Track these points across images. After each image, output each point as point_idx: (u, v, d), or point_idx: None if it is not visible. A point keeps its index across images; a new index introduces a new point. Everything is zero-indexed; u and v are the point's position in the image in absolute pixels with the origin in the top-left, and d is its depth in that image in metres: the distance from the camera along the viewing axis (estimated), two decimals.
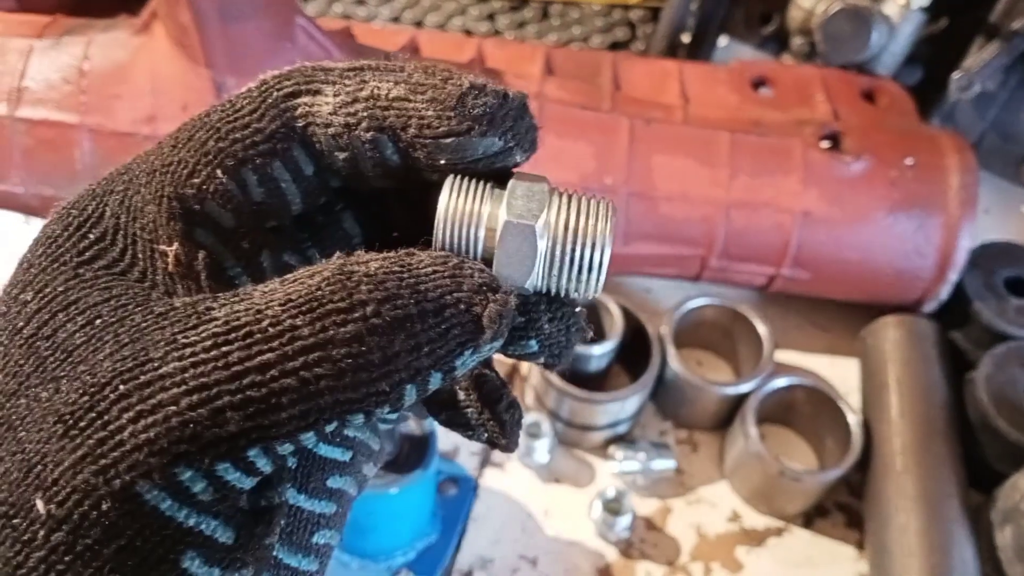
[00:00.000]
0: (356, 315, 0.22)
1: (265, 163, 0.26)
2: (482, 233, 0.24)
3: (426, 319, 0.22)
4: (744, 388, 0.72)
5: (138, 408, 0.21)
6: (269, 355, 0.21)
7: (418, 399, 0.24)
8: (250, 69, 0.72)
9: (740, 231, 0.76)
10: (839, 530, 0.74)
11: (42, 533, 0.21)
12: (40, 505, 0.21)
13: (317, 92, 0.26)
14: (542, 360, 0.28)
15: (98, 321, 0.24)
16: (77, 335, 0.23)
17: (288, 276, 0.23)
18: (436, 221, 0.25)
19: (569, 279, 0.25)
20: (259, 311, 0.22)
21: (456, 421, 0.28)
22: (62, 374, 0.23)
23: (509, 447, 0.28)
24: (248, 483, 0.22)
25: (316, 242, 0.30)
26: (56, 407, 0.22)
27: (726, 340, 0.80)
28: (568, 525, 0.72)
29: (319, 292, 0.22)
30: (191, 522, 0.22)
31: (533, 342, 0.27)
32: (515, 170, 0.26)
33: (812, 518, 0.74)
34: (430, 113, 0.25)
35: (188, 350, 0.22)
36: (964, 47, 0.88)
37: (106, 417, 0.21)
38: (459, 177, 0.25)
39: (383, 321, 0.22)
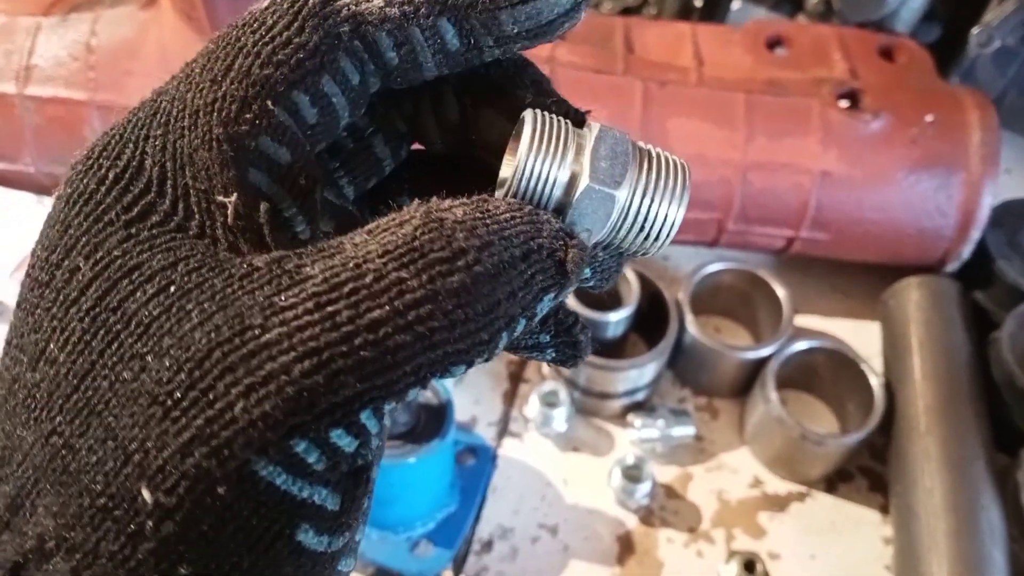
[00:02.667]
0: (460, 263, 0.21)
1: (316, 81, 0.24)
2: (560, 191, 0.24)
3: (517, 265, 0.22)
4: (764, 352, 0.71)
5: (247, 381, 0.20)
6: (379, 311, 0.20)
7: (499, 350, 0.23)
8: None
9: (758, 193, 0.75)
10: (862, 494, 0.73)
11: (150, 524, 0.20)
12: (146, 495, 0.20)
13: None
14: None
15: (172, 288, 0.21)
16: (151, 305, 0.21)
17: (372, 226, 0.22)
18: (517, 163, 0.24)
19: (635, 241, 0.25)
20: (358, 265, 0.21)
21: (523, 345, 0.28)
22: (144, 350, 0.21)
23: (579, 363, 0.28)
24: (354, 446, 0.21)
25: (347, 171, 0.28)
26: (148, 387, 0.20)
27: (745, 305, 0.79)
28: (588, 493, 0.72)
29: (417, 242, 0.21)
30: (305, 494, 0.21)
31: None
32: (594, 121, 0.25)
33: (835, 483, 0.73)
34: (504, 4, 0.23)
35: (290, 313, 0.20)
36: (983, 3, 0.86)
37: (211, 394, 0.20)
38: (539, 115, 0.24)
39: (484, 269, 0.21)
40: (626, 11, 1.01)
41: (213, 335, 0.20)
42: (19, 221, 0.77)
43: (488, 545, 0.69)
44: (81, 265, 0.22)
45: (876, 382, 0.69)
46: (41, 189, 0.80)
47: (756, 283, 0.76)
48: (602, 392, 0.73)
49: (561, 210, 0.24)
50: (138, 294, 0.22)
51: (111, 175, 0.23)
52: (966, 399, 0.68)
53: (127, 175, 0.23)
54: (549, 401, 0.73)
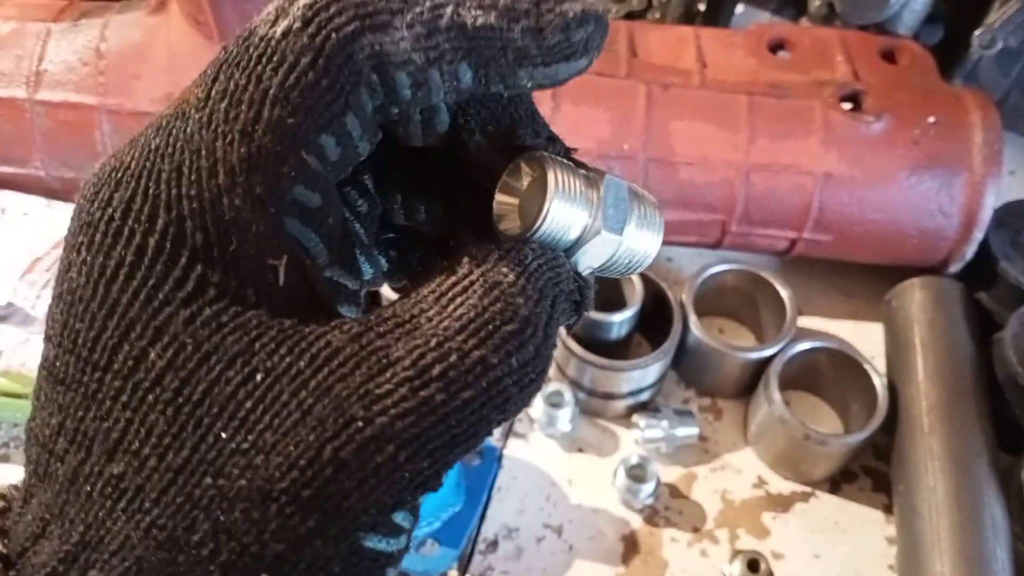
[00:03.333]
0: (527, 334, 0.23)
1: (341, 122, 0.23)
2: (575, 234, 0.26)
3: (556, 318, 0.25)
4: (767, 353, 0.72)
5: (360, 475, 0.21)
6: (469, 392, 0.22)
7: None
8: None
9: (760, 195, 0.75)
10: (866, 494, 0.73)
11: None
12: None
13: (384, 26, 0.22)
14: None
15: (258, 376, 0.21)
16: (240, 395, 0.21)
17: (436, 291, 0.23)
18: (545, 213, 0.25)
19: (620, 269, 0.28)
20: (440, 343, 0.22)
21: None
22: (246, 446, 0.21)
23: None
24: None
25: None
26: (258, 484, 0.21)
27: (748, 306, 0.80)
28: (592, 493, 0.72)
29: (487, 314, 0.23)
30: (393, 549, 0.23)
31: None
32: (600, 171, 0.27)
33: (839, 483, 0.73)
34: (528, 43, 0.23)
35: (388, 401, 0.21)
36: (986, 4, 0.87)
37: (329, 491, 0.21)
38: (557, 165, 0.26)
39: (543, 335, 0.23)
40: (630, 15, 1.02)
41: (319, 430, 0.21)
42: (30, 224, 0.78)
43: (493, 544, 0.70)
44: (149, 351, 0.22)
45: (879, 382, 0.70)
46: (51, 193, 0.81)
47: (759, 284, 0.77)
48: (606, 393, 0.73)
49: (568, 249, 0.26)
50: (223, 383, 0.22)
51: (151, 244, 0.22)
52: (969, 399, 0.68)
53: (169, 244, 0.22)
54: (553, 402, 0.73)
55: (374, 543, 0.22)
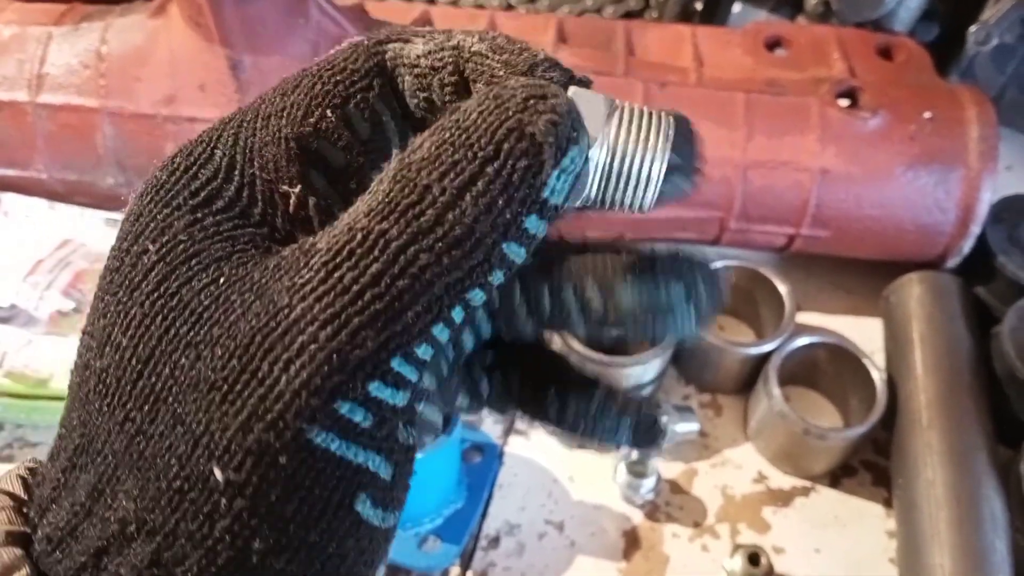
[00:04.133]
0: (427, 202, 0.22)
1: (365, 98, 0.27)
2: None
3: (486, 167, 0.23)
4: (766, 348, 0.72)
5: (285, 357, 0.22)
6: (376, 265, 0.22)
7: (521, 258, 0.24)
8: (265, 47, 0.73)
9: (758, 191, 0.76)
10: (866, 488, 0.73)
11: (224, 501, 0.21)
12: (218, 473, 0.21)
13: (407, 41, 0.27)
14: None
15: (222, 280, 0.24)
16: (203, 295, 0.23)
17: (363, 194, 0.24)
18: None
19: (624, 192, 0.26)
20: (350, 228, 0.23)
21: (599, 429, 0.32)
22: (198, 339, 0.23)
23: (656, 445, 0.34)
24: (401, 399, 0.23)
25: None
26: (204, 375, 0.22)
27: (747, 303, 0.80)
28: (593, 490, 0.73)
29: (391, 194, 0.23)
30: (360, 459, 0.22)
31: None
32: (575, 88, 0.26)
33: (839, 477, 0.74)
34: (501, 74, 0.26)
35: (307, 287, 0.22)
36: (981, 1, 0.87)
37: (260, 374, 0.22)
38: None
39: (450, 196, 0.22)
40: (628, 15, 1.03)
41: (254, 322, 0.22)
42: (32, 226, 0.79)
43: (495, 541, 0.70)
44: (149, 247, 0.24)
45: (878, 377, 0.70)
46: (53, 195, 0.81)
47: (758, 280, 0.77)
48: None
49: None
50: (194, 282, 0.24)
51: (182, 165, 0.26)
52: (968, 393, 0.68)
53: (196, 164, 0.26)
54: None
55: (324, 440, 0.22)
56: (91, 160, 0.78)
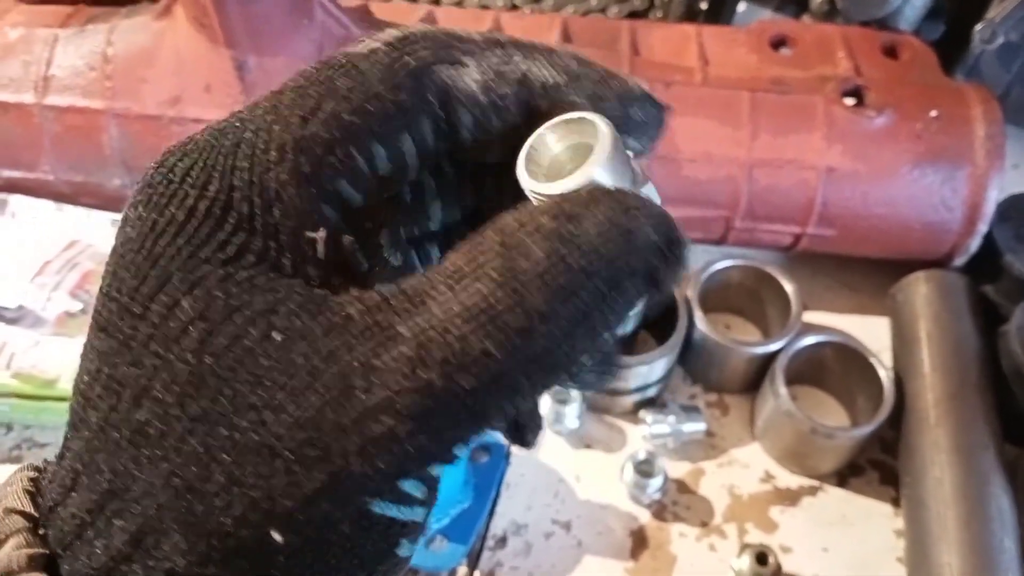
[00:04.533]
0: (538, 331, 0.21)
1: (396, 138, 0.25)
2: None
3: (601, 302, 0.22)
4: (772, 347, 0.72)
5: (359, 442, 0.21)
6: (468, 381, 0.21)
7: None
8: (270, 47, 0.73)
9: (764, 190, 0.76)
10: (874, 487, 0.73)
11: (282, 560, 0.22)
12: (277, 536, 0.22)
13: (457, 63, 0.25)
14: None
15: (276, 336, 0.22)
16: (260, 355, 0.22)
17: (452, 270, 0.22)
18: (601, 145, 0.23)
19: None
20: (446, 330, 0.22)
21: None
22: (259, 403, 0.22)
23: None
24: (442, 469, 0.24)
25: (404, 215, 0.29)
26: (268, 441, 0.22)
27: (754, 302, 0.80)
28: (600, 489, 0.73)
29: (496, 307, 0.21)
30: (407, 517, 0.23)
31: None
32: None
33: (846, 476, 0.74)
34: (586, 109, 0.25)
35: (390, 378, 0.21)
36: (986, 0, 0.87)
37: (332, 452, 0.22)
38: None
39: (562, 330, 0.22)
40: (632, 15, 1.03)
41: (325, 395, 0.22)
42: (39, 228, 0.79)
43: (502, 541, 0.70)
44: (182, 301, 0.23)
45: (885, 375, 0.70)
46: (60, 196, 0.82)
47: (764, 279, 0.77)
48: (613, 389, 0.74)
49: None
50: (245, 340, 0.22)
51: (201, 207, 0.24)
52: (975, 391, 0.68)
53: (217, 209, 0.24)
54: (560, 398, 0.74)
55: (383, 509, 0.22)
56: (97, 161, 0.79)
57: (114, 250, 0.25)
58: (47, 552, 0.23)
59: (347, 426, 0.21)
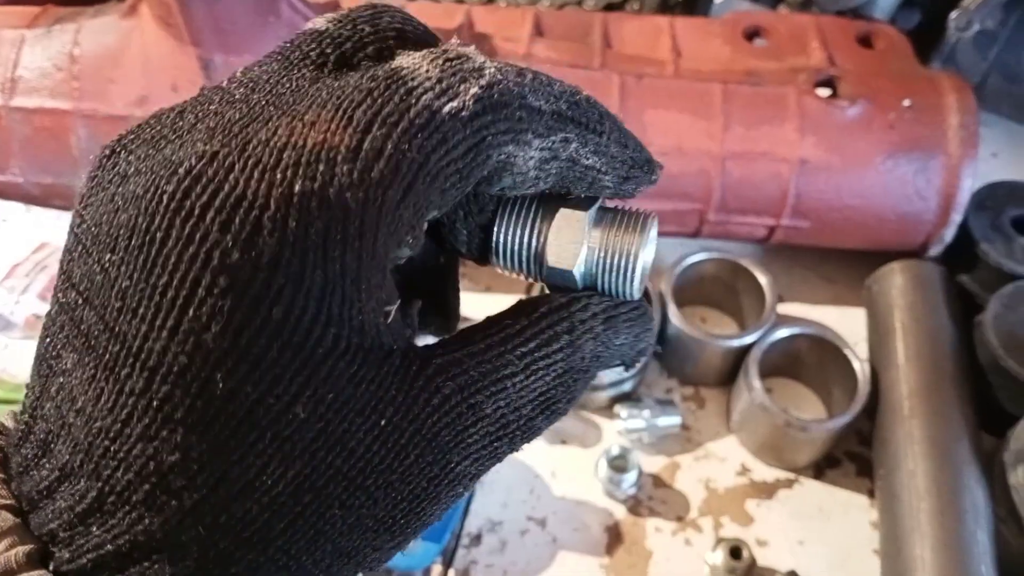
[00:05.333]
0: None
1: (451, 203, 0.25)
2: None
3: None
4: (747, 340, 0.72)
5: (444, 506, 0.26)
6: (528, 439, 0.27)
7: None
8: (236, 45, 0.73)
9: (737, 183, 0.75)
10: (850, 479, 0.73)
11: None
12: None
13: (525, 143, 0.25)
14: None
15: (385, 425, 0.24)
16: (368, 441, 0.24)
17: (525, 351, 0.26)
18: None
19: (612, 283, 0.28)
20: (519, 415, 0.27)
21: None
22: (373, 486, 0.24)
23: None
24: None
25: None
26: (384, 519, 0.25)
27: (729, 295, 0.80)
28: (576, 485, 0.72)
29: (560, 389, 0.27)
30: None
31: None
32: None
33: (823, 469, 0.73)
34: (609, 184, 0.28)
35: (475, 453, 0.26)
36: None
37: (418, 522, 0.25)
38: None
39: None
40: (609, 7, 1.02)
41: (425, 474, 0.24)
42: (8, 230, 0.78)
43: (477, 539, 0.70)
44: (296, 407, 0.22)
45: (860, 367, 0.69)
46: (29, 199, 0.81)
47: (739, 272, 0.77)
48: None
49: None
50: (355, 432, 0.23)
51: (295, 310, 0.21)
52: (950, 382, 0.68)
53: (309, 312, 0.21)
54: None
55: None
56: (67, 163, 0.78)
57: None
58: (40, 546, 0.23)
59: (438, 496, 0.25)
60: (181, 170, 0.21)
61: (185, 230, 0.21)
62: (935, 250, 0.77)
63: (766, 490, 0.73)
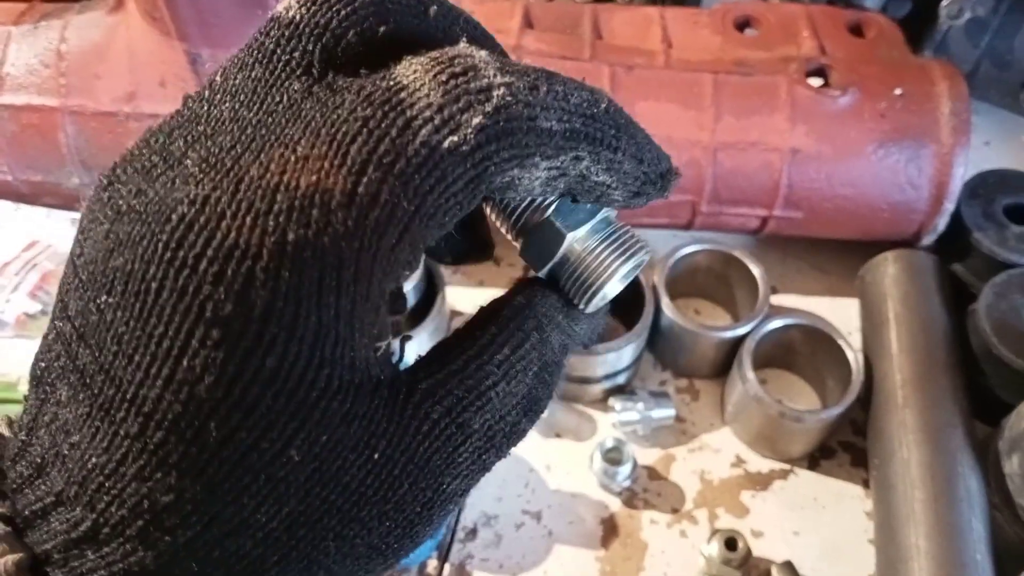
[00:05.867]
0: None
1: (449, 225, 0.24)
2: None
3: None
4: (740, 331, 0.72)
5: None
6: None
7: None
8: (222, 39, 0.72)
9: (729, 173, 0.75)
10: (845, 470, 0.73)
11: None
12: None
13: (531, 166, 0.24)
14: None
15: (379, 458, 0.25)
16: (362, 475, 0.24)
17: (503, 361, 0.26)
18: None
19: (570, 290, 0.28)
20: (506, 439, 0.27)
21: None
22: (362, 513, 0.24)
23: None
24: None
25: None
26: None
27: (722, 286, 0.79)
28: (571, 478, 0.72)
29: (534, 400, 0.27)
30: None
31: None
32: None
33: (817, 459, 0.73)
34: (619, 198, 0.27)
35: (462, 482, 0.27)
36: None
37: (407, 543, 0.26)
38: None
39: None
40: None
41: (418, 499, 0.25)
42: None
43: (472, 533, 0.70)
44: (291, 450, 0.22)
45: (854, 357, 0.69)
46: (19, 197, 0.80)
47: (732, 263, 0.77)
48: (582, 377, 0.73)
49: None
50: (352, 468, 0.23)
51: (289, 357, 0.21)
52: (944, 371, 0.68)
53: (303, 358, 0.21)
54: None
55: None
56: (55, 160, 0.77)
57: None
58: (28, 554, 0.23)
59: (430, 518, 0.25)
60: (174, 217, 0.21)
61: (179, 282, 0.21)
62: (928, 239, 0.77)
63: (761, 481, 0.73)
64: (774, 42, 0.82)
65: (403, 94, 0.22)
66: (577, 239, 0.27)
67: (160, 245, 0.21)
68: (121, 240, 0.22)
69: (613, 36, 0.81)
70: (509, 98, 0.22)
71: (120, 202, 0.23)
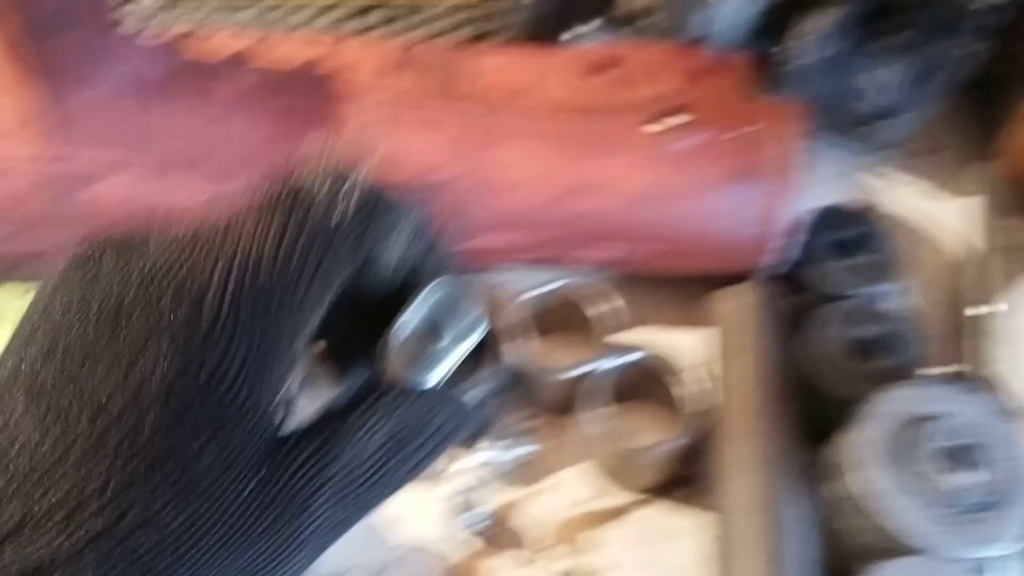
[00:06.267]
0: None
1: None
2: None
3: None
4: (588, 368, 0.73)
5: None
6: None
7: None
8: (84, 81, 0.72)
9: (582, 213, 0.77)
10: (695, 499, 0.75)
11: None
12: None
13: (395, 238, 0.32)
14: None
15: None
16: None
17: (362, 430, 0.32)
18: None
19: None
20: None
21: None
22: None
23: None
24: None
25: None
26: None
27: (580, 322, 0.81)
28: (419, 528, 0.72)
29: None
30: None
31: None
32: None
33: (668, 489, 0.75)
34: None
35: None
36: (805, 17, 0.90)
37: None
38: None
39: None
40: (477, 37, 1.03)
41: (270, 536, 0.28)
42: None
43: None
44: (207, 458, 0.27)
45: (695, 390, 0.72)
46: None
47: (586, 300, 0.78)
48: None
49: None
50: (241, 484, 0.27)
51: (218, 374, 0.27)
52: (776, 401, 0.70)
53: (229, 376, 0.27)
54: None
55: None
56: None
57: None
58: None
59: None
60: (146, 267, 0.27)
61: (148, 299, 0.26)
62: (768, 273, 0.79)
63: (615, 515, 0.74)
64: (630, 83, 0.84)
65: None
66: (400, 348, 0.34)
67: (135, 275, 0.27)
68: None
69: (480, 78, 0.82)
70: None
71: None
